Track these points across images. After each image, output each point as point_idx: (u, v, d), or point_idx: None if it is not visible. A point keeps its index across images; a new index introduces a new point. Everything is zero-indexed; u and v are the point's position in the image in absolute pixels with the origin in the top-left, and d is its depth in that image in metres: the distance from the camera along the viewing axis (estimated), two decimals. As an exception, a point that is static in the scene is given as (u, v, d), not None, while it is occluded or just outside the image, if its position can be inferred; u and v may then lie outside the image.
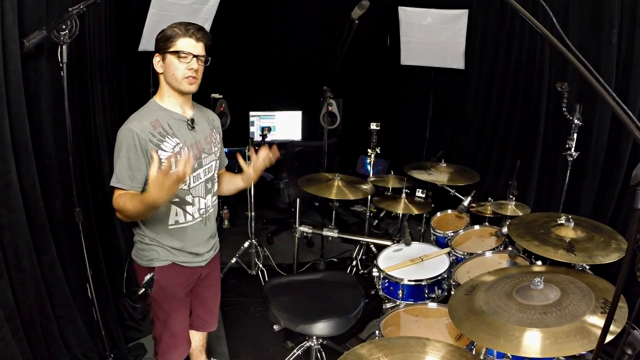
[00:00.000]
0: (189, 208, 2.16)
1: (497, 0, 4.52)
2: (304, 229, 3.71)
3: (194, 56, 2.03)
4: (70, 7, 2.14)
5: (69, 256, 2.41)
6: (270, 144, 2.41)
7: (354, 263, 4.36)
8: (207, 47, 2.10)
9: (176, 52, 2.00)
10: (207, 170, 2.24)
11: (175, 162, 1.99)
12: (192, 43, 2.03)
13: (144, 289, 2.12)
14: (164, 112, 2.08)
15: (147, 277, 2.12)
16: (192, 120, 2.17)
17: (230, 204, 5.41)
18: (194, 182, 2.16)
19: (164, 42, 2.01)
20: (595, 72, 1.39)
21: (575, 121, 3.17)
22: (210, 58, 2.11)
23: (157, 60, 2.06)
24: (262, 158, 2.28)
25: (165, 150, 2.03)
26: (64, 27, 2.10)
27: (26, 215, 2.02)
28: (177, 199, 2.11)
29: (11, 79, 1.98)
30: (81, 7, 2.15)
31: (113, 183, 1.99)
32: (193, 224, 2.19)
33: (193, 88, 2.09)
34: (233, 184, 2.47)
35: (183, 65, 2.01)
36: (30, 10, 2.14)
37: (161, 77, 2.09)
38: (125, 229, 3.28)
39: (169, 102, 2.11)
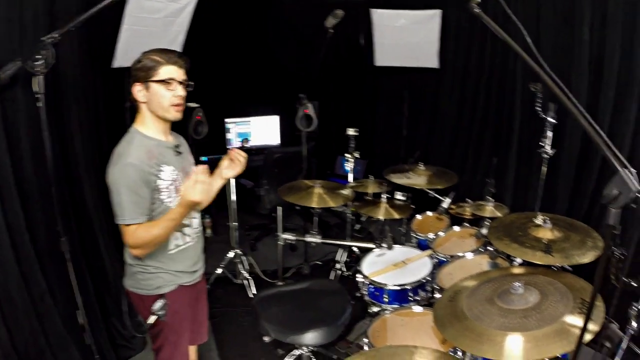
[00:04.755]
0: (186, 230, 2.21)
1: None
2: (287, 236, 3.75)
3: (179, 83, 2.05)
4: (44, 35, 2.12)
5: (57, 285, 2.40)
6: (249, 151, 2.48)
7: (338, 266, 4.39)
8: (187, 72, 2.12)
9: (162, 81, 2.01)
10: None
11: (175, 189, 2.07)
12: (175, 70, 2.05)
13: (156, 317, 2.12)
14: (151, 141, 2.08)
15: (159, 304, 2.09)
16: (177, 146, 2.20)
17: (211, 212, 5.42)
18: None
19: (146, 72, 2.01)
20: (565, 88, 1.46)
21: (550, 119, 3.24)
22: (193, 83, 2.12)
23: (138, 89, 2.04)
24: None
25: (164, 180, 2.05)
26: (38, 57, 2.08)
27: (12, 249, 2.01)
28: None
29: (-12, 112, 1.97)
30: (55, 35, 2.13)
31: (127, 221, 1.96)
32: (190, 244, 2.24)
33: (179, 115, 2.10)
34: None
35: (169, 93, 2.03)
36: (3, 40, 2.13)
37: (143, 106, 2.08)
38: (109, 248, 3.28)
39: (154, 130, 2.11)
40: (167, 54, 2.05)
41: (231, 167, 2.40)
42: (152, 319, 2.11)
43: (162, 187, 2.04)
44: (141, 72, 2.03)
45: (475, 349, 1.81)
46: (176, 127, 2.26)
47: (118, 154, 2.00)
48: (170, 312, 2.15)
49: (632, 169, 1.16)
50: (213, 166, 2.45)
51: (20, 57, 2.09)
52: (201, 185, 1.89)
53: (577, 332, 1.66)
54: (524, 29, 1.76)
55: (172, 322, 2.19)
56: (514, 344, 1.72)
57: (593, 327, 1.72)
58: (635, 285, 1.75)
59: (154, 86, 2.02)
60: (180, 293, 2.22)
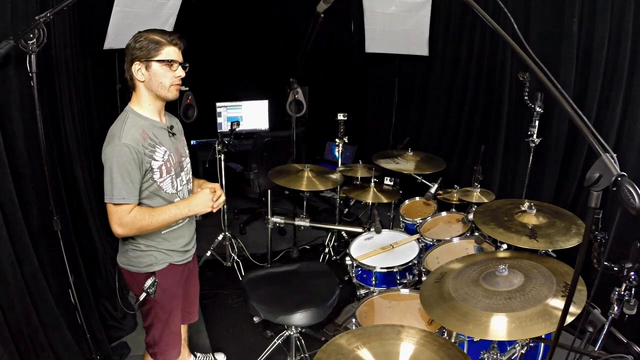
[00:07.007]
0: None
1: (460, -11, 4.61)
2: (277, 219, 3.78)
3: (179, 64, 2.07)
4: (36, 15, 2.12)
5: (50, 264, 2.42)
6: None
7: (327, 250, 4.44)
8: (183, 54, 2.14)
9: (166, 61, 2.02)
10: (187, 172, 2.30)
11: (165, 170, 2.09)
12: (176, 51, 2.07)
13: (146, 294, 2.16)
14: (146, 121, 2.08)
15: (149, 282, 2.16)
16: (172, 127, 2.22)
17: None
18: (180, 186, 2.21)
19: (147, 50, 2.00)
20: (553, 79, 1.49)
21: (537, 109, 3.29)
22: (188, 65, 2.14)
23: (137, 68, 2.02)
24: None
25: (157, 160, 2.06)
26: (31, 36, 2.08)
27: (6, 227, 2.02)
28: (168, 204, 2.16)
29: (-19, 91, 1.97)
30: (48, 15, 2.13)
31: (115, 200, 1.95)
32: (182, 225, 2.27)
33: (177, 95, 2.14)
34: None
35: (171, 73, 2.05)
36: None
37: (140, 85, 2.06)
38: (100, 228, 3.29)
39: (149, 110, 2.11)
40: (169, 35, 2.06)
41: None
42: (142, 296, 2.16)
43: (155, 168, 2.05)
44: (142, 50, 2.01)
45: (460, 329, 1.86)
46: (166, 110, 2.27)
47: (112, 134, 2.00)
48: (160, 290, 2.20)
49: (612, 153, 1.19)
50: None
51: (12, 37, 2.07)
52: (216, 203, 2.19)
53: (559, 314, 1.72)
54: (512, 19, 1.78)
55: (162, 300, 2.23)
56: (499, 324, 1.76)
57: (575, 310, 1.78)
58: (616, 269, 1.80)
59: (156, 66, 2.02)
60: (171, 271, 2.25)
